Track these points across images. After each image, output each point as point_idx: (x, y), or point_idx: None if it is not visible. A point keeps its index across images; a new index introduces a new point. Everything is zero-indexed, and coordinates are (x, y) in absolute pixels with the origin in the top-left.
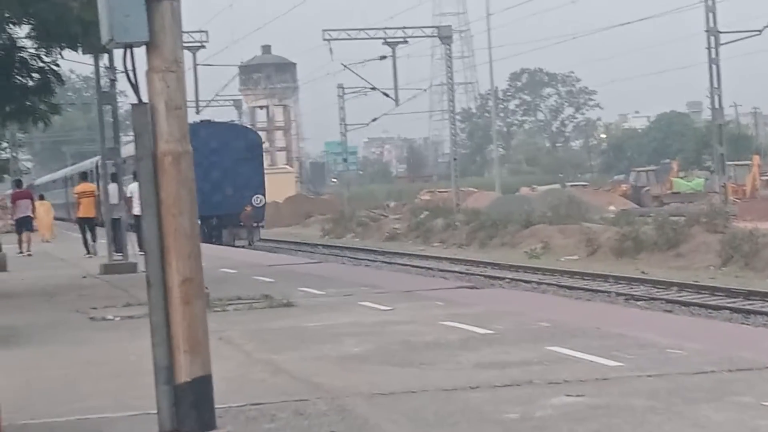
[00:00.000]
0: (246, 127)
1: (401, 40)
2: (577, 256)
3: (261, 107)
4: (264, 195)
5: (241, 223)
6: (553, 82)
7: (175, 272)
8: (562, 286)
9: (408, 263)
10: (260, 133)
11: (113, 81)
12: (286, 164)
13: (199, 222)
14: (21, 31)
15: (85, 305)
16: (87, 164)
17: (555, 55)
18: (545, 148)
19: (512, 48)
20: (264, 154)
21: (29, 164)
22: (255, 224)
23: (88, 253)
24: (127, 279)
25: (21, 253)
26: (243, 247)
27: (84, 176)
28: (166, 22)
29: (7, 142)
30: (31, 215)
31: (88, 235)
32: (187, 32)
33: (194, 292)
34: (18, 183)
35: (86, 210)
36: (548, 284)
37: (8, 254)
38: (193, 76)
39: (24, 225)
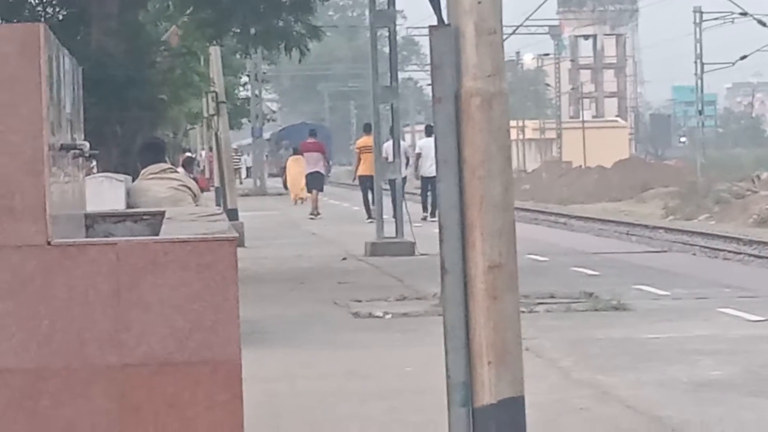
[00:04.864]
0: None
1: None
2: None
3: (586, 37)
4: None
5: None
6: None
7: (480, 255)
8: None
9: None
10: (585, 71)
11: None
12: (617, 116)
13: None
14: None
15: (346, 296)
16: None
17: None
18: None
19: None
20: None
21: (274, 106)
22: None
23: (370, 217)
24: (402, 263)
25: (312, 215)
26: None
27: (367, 128)
28: None
29: (248, 76)
30: (323, 172)
31: (370, 197)
32: None
33: (504, 283)
34: (312, 132)
35: (368, 167)
36: None
37: (250, 223)
38: None
39: (313, 182)
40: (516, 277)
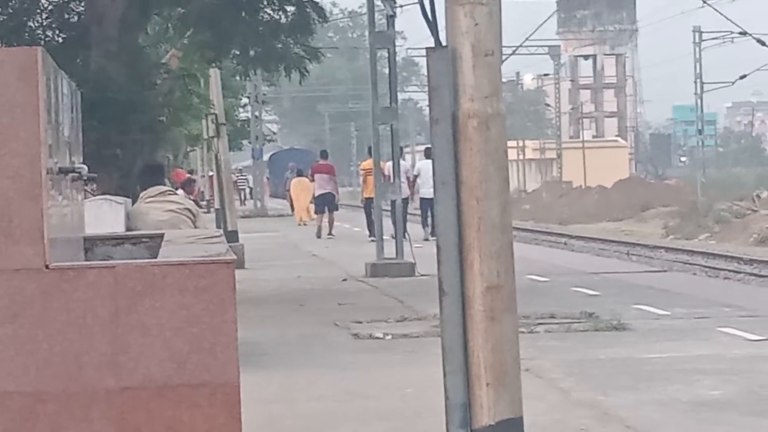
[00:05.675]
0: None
1: None
2: None
3: (586, 57)
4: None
5: None
6: None
7: (478, 277)
8: None
9: None
10: (585, 91)
11: (391, 18)
12: (617, 136)
13: None
14: None
15: (346, 318)
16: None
17: None
18: None
19: None
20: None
21: (274, 127)
22: None
23: (373, 236)
24: (402, 284)
25: (321, 237)
26: None
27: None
28: None
29: (248, 97)
30: (334, 192)
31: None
32: None
33: (503, 304)
34: (324, 154)
35: (372, 189)
36: None
37: (250, 244)
38: None
39: (325, 204)
40: (514, 298)
